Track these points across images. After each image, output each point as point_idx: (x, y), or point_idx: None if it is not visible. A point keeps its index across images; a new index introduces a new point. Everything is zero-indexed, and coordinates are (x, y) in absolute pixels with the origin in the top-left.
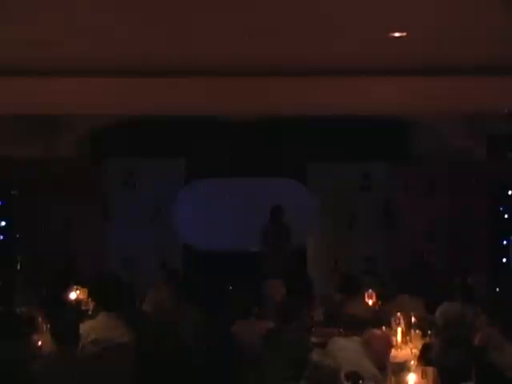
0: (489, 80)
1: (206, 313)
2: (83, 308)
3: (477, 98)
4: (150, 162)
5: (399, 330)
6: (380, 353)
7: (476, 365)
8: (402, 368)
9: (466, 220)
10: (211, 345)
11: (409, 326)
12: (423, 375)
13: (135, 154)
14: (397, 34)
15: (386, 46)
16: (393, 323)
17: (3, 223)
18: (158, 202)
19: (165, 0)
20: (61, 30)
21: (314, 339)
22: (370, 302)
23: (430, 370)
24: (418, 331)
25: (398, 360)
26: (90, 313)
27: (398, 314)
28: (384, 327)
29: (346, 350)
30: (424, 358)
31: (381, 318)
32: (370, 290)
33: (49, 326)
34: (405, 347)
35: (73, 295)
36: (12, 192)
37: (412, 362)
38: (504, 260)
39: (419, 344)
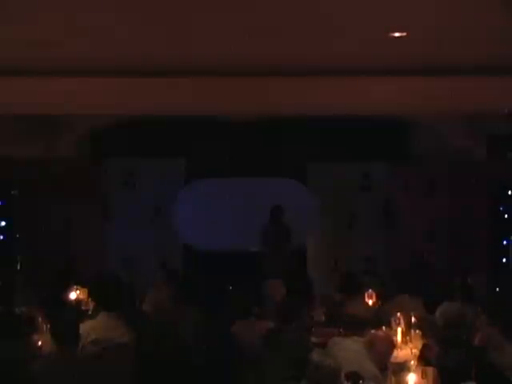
0: (489, 80)
1: (206, 313)
2: (83, 308)
3: (477, 98)
4: (150, 161)
5: (399, 330)
6: (383, 353)
7: (476, 365)
8: (402, 368)
9: (465, 220)
10: (211, 345)
11: (409, 326)
12: (423, 375)
13: (135, 154)
14: (397, 34)
15: (386, 46)
16: (393, 323)
17: (3, 223)
18: (158, 202)
19: (165, 0)
20: (61, 30)
21: (314, 339)
22: (370, 302)
23: (430, 370)
24: (418, 331)
25: (398, 360)
26: (89, 313)
27: (398, 314)
28: (384, 327)
29: (346, 350)
30: (424, 358)
31: (381, 318)
32: (370, 290)
33: (49, 326)
34: (405, 347)
35: (73, 295)
36: (12, 192)
37: (412, 362)
38: (504, 260)
39: (419, 344)
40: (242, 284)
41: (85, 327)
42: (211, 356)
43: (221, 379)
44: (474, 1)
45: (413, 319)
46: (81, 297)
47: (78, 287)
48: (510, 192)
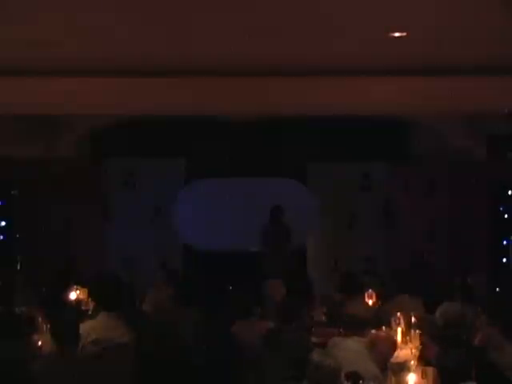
0: (489, 80)
1: (206, 313)
2: (83, 308)
3: (477, 98)
4: (149, 161)
5: (399, 330)
6: (384, 354)
7: (476, 365)
8: (402, 368)
9: (465, 220)
10: (211, 345)
11: (409, 326)
12: (423, 375)
13: (135, 154)
14: (397, 34)
15: (386, 46)
16: (393, 323)
17: (3, 223)
18: (158, 201)
19: (165, 0)
20: (61, 30)
21: (314, 339)
22: (370, 302)
23: (430, 370)
24: (417, 331)
25: (398, 360)
26: (89, 313)
27: (398, 314)
28: (384, 327)
29: (347, 350)
30: (424, 358)
31: (381, 318)
32: (370, 290)
33: (49, 326)
34: (405, 347)
35: (73, 295)
36: (12, 192)
37: (412, 362)
38: (504, 260)
39: (419, 344)
40: (242, 284)
41: (85, 327)
42: (211, 356)
43: (221, 379)
44: (473, 1)
45: (413, 319)
46: (81, 297)
47: (78, 287)
48: (510, 192)
